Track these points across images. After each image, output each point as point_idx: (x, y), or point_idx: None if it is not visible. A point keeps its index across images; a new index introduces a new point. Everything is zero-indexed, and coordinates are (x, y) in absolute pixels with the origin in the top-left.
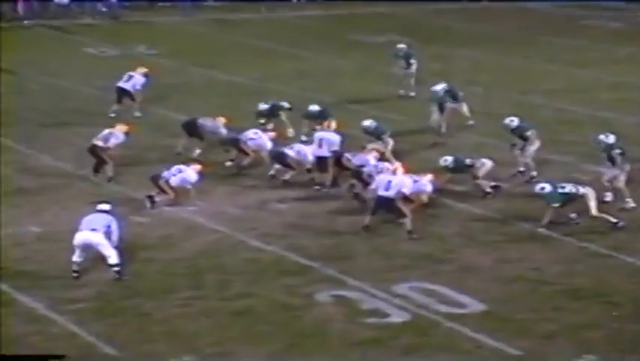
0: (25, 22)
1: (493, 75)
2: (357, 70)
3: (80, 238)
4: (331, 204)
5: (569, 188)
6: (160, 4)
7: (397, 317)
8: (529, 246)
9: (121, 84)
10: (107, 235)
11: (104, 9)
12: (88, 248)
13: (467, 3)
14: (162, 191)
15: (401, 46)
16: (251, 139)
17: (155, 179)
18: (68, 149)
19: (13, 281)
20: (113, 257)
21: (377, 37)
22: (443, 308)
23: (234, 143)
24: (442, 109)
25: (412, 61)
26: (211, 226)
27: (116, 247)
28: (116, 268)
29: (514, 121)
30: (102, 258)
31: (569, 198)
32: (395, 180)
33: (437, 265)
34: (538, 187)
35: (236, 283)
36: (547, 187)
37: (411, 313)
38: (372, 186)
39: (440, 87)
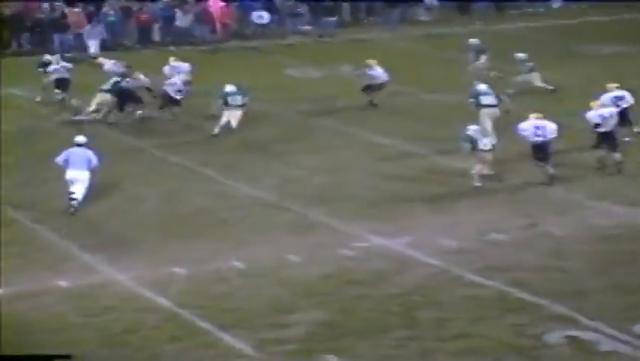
0: (223, 44)
1: None
2: (583, 85)
3: (72, 175)
4: (557, 234)
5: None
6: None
7: None
8: None
9: None
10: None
11: (306, 27)
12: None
13: None
14: None
15: None
16: None
17: None
18: (270, 178)
19: (216, 320)
20: (81, 194)
21: (603, 47)
22: None
23: None
24: None
25: None
26: (424, 260)
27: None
28: (76, 202)
29: None
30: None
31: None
32: None
33: None
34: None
35: (454, 321)
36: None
37: None
38: None
39: None
